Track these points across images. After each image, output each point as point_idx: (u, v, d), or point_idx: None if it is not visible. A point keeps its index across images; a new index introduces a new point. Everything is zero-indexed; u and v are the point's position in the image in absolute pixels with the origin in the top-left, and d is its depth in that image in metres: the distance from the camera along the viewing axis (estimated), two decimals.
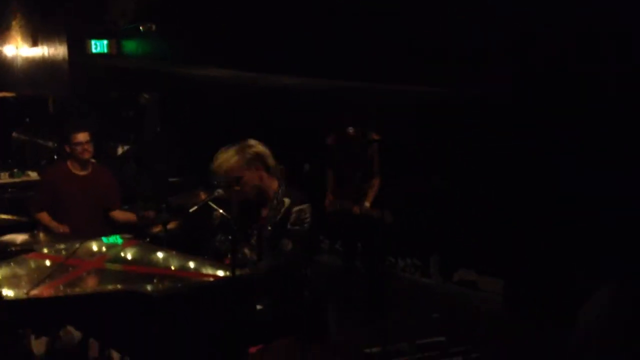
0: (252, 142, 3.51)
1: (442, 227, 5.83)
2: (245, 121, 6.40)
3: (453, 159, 5.67)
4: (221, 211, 3.61)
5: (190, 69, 7.26)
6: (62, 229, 4.75)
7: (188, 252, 4.58)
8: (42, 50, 8.79)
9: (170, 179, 6.14)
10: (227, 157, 3.46)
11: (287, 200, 3.49)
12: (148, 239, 4.45)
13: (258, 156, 3.49)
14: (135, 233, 4.61)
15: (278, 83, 6.49)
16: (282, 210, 3.46)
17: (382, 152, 5.23)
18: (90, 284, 2.98)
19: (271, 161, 3.53)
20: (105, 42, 7.86)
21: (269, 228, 3.46)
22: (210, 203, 3.63)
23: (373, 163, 5.25)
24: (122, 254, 3.44)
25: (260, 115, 6.42)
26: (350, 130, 5.13)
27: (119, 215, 5.01)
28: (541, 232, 5.06)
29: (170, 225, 4.57)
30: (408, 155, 5.69)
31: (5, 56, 9.43)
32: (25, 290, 2.81)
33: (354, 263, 5.46)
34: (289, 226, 3.43)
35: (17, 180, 5.89)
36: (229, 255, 3.75)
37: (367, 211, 5.13)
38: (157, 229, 4.68)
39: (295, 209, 3.46)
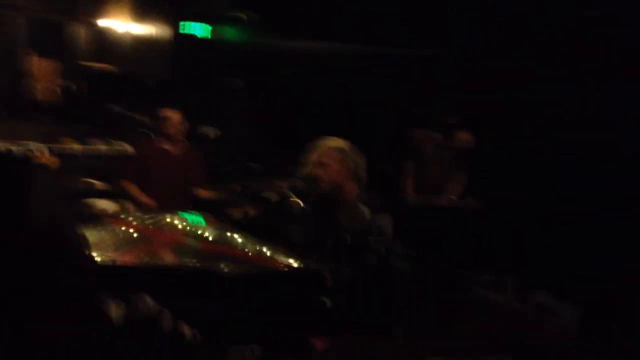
0: (354, 146, 3.49)
1: (522, 244, 5.66)
2: (332, 115, 6.42)
3: (540, 171, 5.49)
4: (300, 202, 3.65)
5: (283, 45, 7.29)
6: (149, 202, 4.92)
7: (264, 238, 4.70)
8: (145, 28, 9.10)
9: (253, 165, 6.24)
10: (331, 143, 3.46)
11: (367, 211, 3.45)
12: (227, 219, 4.57)
13: (353, 160, 3.47)
14: (217, 214, 4.74)
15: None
16: (362, 220, 3.43)
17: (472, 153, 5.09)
18: (170, 257, 3.05)
19: (362, 172, 3.50)
20: (206, 26, 8.05)
21: (348, 238, 3.42)
22: (290, 193, 3.68)
23: (460, 161, 5.10)
24: (203, 232, 3.50)
25: (348, 111, 6.42)
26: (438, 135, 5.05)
27: (204, 193, 5.14)
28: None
29: (250, 211, 4.70)
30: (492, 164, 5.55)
31: (112, 30, 9.81)
32: (109, 256, 2.91)
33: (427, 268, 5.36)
34: (371, 240, 3.40)
35: (111, 149, 6.13)
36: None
37: (454, 202, 4.98)
38: (236, 214, 4.80)
39: (377, 221, 3.43)
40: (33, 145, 4.90)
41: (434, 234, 5.22)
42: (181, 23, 8.10)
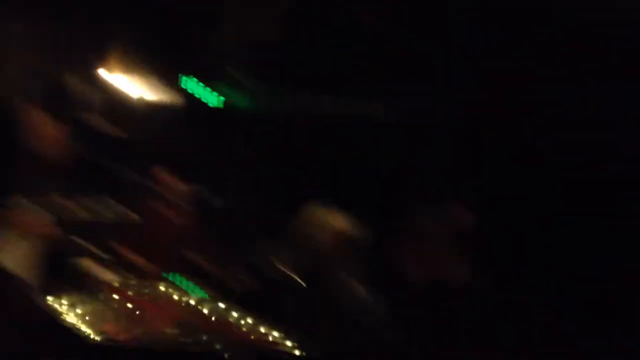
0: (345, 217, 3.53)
1: None
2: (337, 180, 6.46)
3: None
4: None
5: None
6: (147, 268, 4.89)
7: (262, 301, 4.66)
8: (156, 92, 9.21)
9: (252, 227, 6.26)
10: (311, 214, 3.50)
11: (359, 286, 3.47)
12: (224, 285, 4.55)
13: (345, 231, 3.50)
14: (213, 281, 4.71)
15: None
16: (356, 295, 3.44)
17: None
18: (165, 333, 3.00)
19: (355, 243, 3.53)
20: (214, 89, 8.20)
21: (338, 307, 3.43)
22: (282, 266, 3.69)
23: (458, 242, 5.08)
24: (200, 305, 3.47)
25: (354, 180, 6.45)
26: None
27: (202, 262, 5.11)
28: None
29: (245, 281, 4.68)
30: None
31: (121, 89, 9.88)
32: (101, 331, 2.86)
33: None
34: (363, 316, 3.41)
35: (107, 207, 6.09)
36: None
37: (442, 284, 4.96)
38: (230, 277, 4.78)
39: (371, 294, 3.45)
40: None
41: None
42: (191, 88, 8.22)
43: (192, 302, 3.47)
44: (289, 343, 3.09)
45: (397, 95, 6.19)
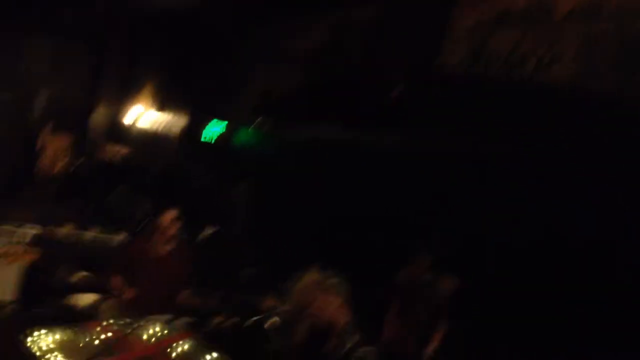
0: (336, 277, 3.53)
1: None
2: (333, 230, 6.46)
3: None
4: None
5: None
6: (129, 294, 4.88)
7: (244, 348, 4.63)
8: (162, 118, 9.37)
9: (247, 270, 6.23)
10: (310, 277, 3.49)
11: (355, 337, 3.44)
12: (207, 329, 4.53)
13: (337, 291, 3.49)
14: (197, 319, 4.70)
15: None
16: (348, 346, 3.41)
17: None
18: None
19: (347, 301, 3.51)
20: (221, 125, 8.27)
21: None
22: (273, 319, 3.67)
23: (442, 308, 5.08)
24: (176, 346, 3.48)
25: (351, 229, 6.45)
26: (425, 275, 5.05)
27: (187, 299, 5.10)
28: None
29: (232, 320, 4.66)
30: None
31: (131, 115, 10.08)
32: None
33: None
34: None
35: (105, 236, 6.16)
36: None
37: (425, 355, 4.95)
38: (218, 320, 4.76)
39: (362, 350, 3.42)
40: (28, 229, 4.94)
41: None
42: (196, 119, 8.31)
43: (171, 341, 3.47)
44: None
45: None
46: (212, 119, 8.31)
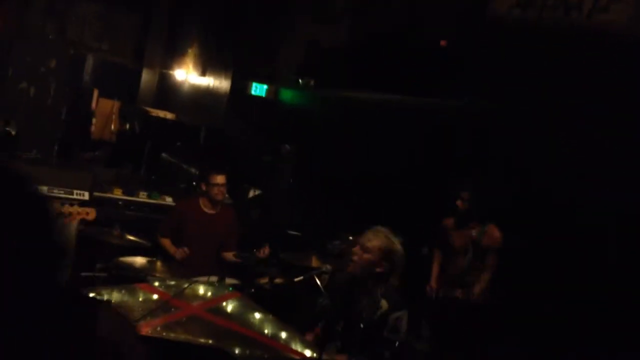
0: (399, 242, 3.55)
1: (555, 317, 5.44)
2: (375, 190, 6.43)
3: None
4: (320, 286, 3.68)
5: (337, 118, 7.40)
6: (181, 253, 5.00)
7: (289, 307, 4.70)
8: (207, 81, 9.41)
9: (290, 232, 6.28)
10: (374, 235, 3.52)
11: (384, 304, 3.45)
12: (253, 290, 4.62)
13: (394, 254, 3.51)
14: (243, 280, 4.79)
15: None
16: (379, 313, 3.44)
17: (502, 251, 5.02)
18: (185, 331, 3.08)
19: (399, 269, 3.53)
20: (265, 86, 8.25)
21: (361, 325, 3.44)
22: (316, 278, 3.72)
23: (487, 257, 5.04)
24: (223, 306, 3.54)
25: (393, 188, 6.42)
26: (469, 220, 5.03)
27: (229, 257, 5.18)
28: None
29: (277, 280, 4.73)
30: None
31: (174, 79, 10.19)
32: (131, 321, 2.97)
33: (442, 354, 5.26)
34: (385, 333, 3.41)
35: (153, 201, 6.29)
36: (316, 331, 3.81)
37: (471, 298, 4.93)
38: (263, 281, 4.84)
39: (393, 315, 3.44)
40: (76, 193, 5.07)
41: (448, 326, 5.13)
42: (253, 83, 8.30)
43: (217, 301, 3.54)
44: (307, 352, 3.12)
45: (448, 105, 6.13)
46: (257, 80, 8.30)
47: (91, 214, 3.98)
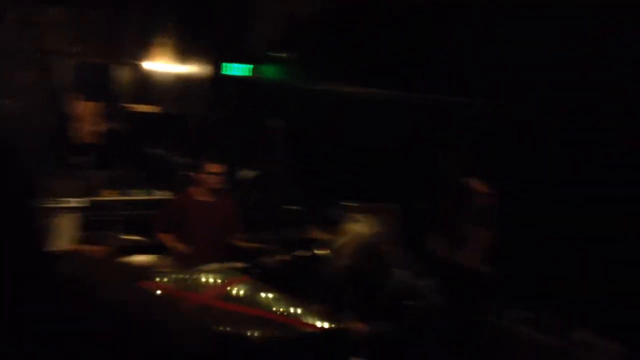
0: (370, 221, 3.57)
1: (563, 279, 5.56)
2: (367, 156, 6.44)
3: (580, 210, 5.39)
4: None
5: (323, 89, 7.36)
6: (185, 250, 5.01)
7: (297, 283, 4.73)
8: (186, 69, 9.33)
9: (289, 207, 6.29)
10: (358, 230, 3.55)
11: (401, 273, 3.50)
12: (259, 270, 4.64)
13: (375, 238, 3.54)
14: (248, 262, 4.81)
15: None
16: (397, 282, 3.48)
17: (498, 204, 5.06)
18: (197, 321, 3.10)
19: (386, 235, 3.56)
20: (246, 66, 8.19)
21: (382, 295, 3.48)
22: (321, 249, 3.74)
23: (483, 214, 5.08)
24: (232, 290, 3.56)
25: (385, 153, 6.43)
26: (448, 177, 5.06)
27: (241, 243, 5.20)
28: None
29: (282, 258, 4.76)
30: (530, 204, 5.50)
31: (155, 72, 10.09)
32: None
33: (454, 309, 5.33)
34: (408, 301, 3.46)
35: (150, 198, 6.28)
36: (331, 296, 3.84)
37: (472, 264, 4.99)
38: (268, 260, 4.86)
39: (415, 283, 3.49)
40: (73, 202, 5.07)
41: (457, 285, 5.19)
42: (223, 64, 8.22)
43: (226, 287, 3.55)
44: (322, 323, 3.15)
45: (426, 78, 6.10)
46: (236, 60, 8.23)
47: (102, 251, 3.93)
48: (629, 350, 5.12)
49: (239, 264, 4.53)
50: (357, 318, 3.64)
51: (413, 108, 6.23)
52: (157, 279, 3.61)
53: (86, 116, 9.19)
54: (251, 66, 8.27)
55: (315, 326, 3.14)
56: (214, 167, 5.16)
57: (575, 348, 5.57)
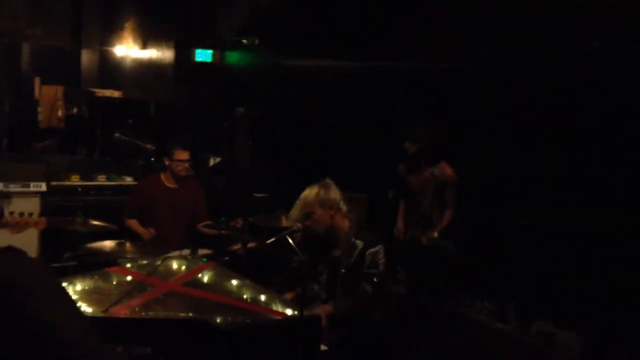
0: (330, 183, 3.65)
1: (524, 271, 5.66)
2: (333, 143, 6.44)
3: (546, 197, 5.47)
4: (294, 245, 3.73)
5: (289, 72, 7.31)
6: (149, 234, 4.97)
7: (265, 270, 4.71)
8: (150, 54, 9.19)
9: (256, 195, 6.27)
10: (306, 194, 3.65)
11: (359, 243, 3.59)
12: (227, 257, 4.61)
13: (331, 198, 3.62)
14: (215, 249, 4.78)
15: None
16: (356, 253, 3.55)
17: (459, 185, 5.15)
18: (164, 307, 3.07)
19: (343, 205, 3.66)
20: (209, 52, 8.09)
21: (343, 270, 3.54)
22: (287, 237, 3.74)
23: (446, 194, 5.18)
24: (199, 277, 3.54)
25: (347, 139, 6.44)
26: (419, 161, 5.13)
27: (204, 230, 5.17)
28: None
29: (250, 245, 4.73)
30: (491, 191, 5.56)
31: (115, 56, 9.93)
32: (103, 308, 2.93)
33: (418, 294, 5.40)
34: (364, 270, 3.52)
35: (113, 183, 6.19)
36: (297, 289, 3.87)
37: (433, 240, 5.07)
38: (236, 247, 4.84)
39: (369, 251, 3.56)
40: (32, 186, 4.95)
41: (417, 267, 5.28)
42: (196, 50, 8.11)
43: (192, 274, 3.53)
44: (288, 310, 3.14)
45: (392, 56, 6.11)
46: (200, 46, 8.13)
47: (40, 223, 3.81)
48: (588, 341, 5.24)
49: (206, 251, 4.51)
50: (326, 301, 3.68)
51: (376, 79, 6.23)
52: (127, 265, 3.57)
53: (48, 100, 9.00)
54: (216, 52, 8.18)
55: (282, 313, 3.13)
56: (183, 154, 5.11)
57: (535, 338, 5.69)
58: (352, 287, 3.64)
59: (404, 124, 5.42)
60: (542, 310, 5.61)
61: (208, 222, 5.11)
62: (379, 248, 3.65)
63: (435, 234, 5.04)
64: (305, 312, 3.14)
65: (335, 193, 3.73)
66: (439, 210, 5.15)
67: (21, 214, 3.61)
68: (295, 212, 3.79)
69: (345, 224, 3.78)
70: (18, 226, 3.58)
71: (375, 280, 3.61)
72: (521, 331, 5.77)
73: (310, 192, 3.74)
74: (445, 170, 5.10)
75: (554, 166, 5.37)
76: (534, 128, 5.35)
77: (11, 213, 3.60)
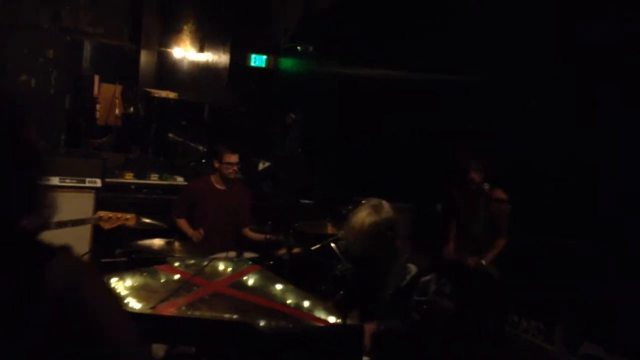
0: (385, 205, 3.51)
1: (573, 294, 5.53)
2: (384, 151, 6.41)
3: (595, 222, 5.34)
4: (338, 253, 3.71)
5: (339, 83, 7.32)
6: (198, 235, 5.04)
7: (309, 276, 4.74)
8: (206, 57, 9.34)
9: (303, 201, 6.30)
10: (359, 220, 3.47)
11: (412, 268, 3.49)
12: (272, 262, 4.66)
13: (388, 222, 3.50)
14: (261, 253, 4.83)
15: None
16: (408, 277, 3.47)
17: (513, 212, 5.03)
18: (209, 308, 3.11)
19: (400, 228, 3.54)
20: (264, 57, 8.18)
21: (389, 292, 3.48)
22: (333, 245, 3.75)
23: (499, 221, 5.05)
24: (244, 280, 3.58)
25: (397, 150, 6.40)
26: (474, 184, 4.99)
27: (249, 233, 5.23)
28: None
29: (295, 250, 4.76)
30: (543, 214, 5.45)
31: (173, 58, 10.12)
32: (150, 305, 2.99)
33: (463, 311, 5.33)
34: (415, 297, 3.45)
35: (164, 182, 6.31)
36: (341, 293, 3.85)
37: (481, 266, 4.98)
38: (281, 252, 4.88)
39: (423, 279, 3.47)
40: (89, 181, 5.09)
41: (463, 285, 5.19)
42: (251, 55, 8.21)
43: (238, 276, 3.56)
44: (331, 318, 3.14)
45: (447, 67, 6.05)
46: (255, 51, 8.22)
47: (131, 219, 4.01)
48: None
49: (252, 254, 4.55)
50: (366, 317, 3.64)
51: (431, 91, 6.16)
52: (176, 264, 3.63)
53: (106, 98, 9.24)
54: (270, 57, 8.25)
55: (324, 320, 3.13)
56: (233, 158, 5.18)
57: None
58: (400, 311, 3.56)
59: (461, 150, 5.29)
60: (591, 334, 5.47)
61: (256, 227, 5.17)
62: (432, 276, 3.56)
63: (483, 262, 4.96)
64: (348, 322, 3.14)
65: (391, 214, 3.55)
66: (491, 237, 5.06)
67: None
68: (354, 246, 3.61)
69: (398, 244, 3.65)
70: (110, 221, 3.80)
71: (423, 308, 3.53)
72: (567, 353, 5.65)
73: (363, 217, 3.53)
74: (501, 198, 4.98)
75: (605, 189, 5.24)
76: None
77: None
